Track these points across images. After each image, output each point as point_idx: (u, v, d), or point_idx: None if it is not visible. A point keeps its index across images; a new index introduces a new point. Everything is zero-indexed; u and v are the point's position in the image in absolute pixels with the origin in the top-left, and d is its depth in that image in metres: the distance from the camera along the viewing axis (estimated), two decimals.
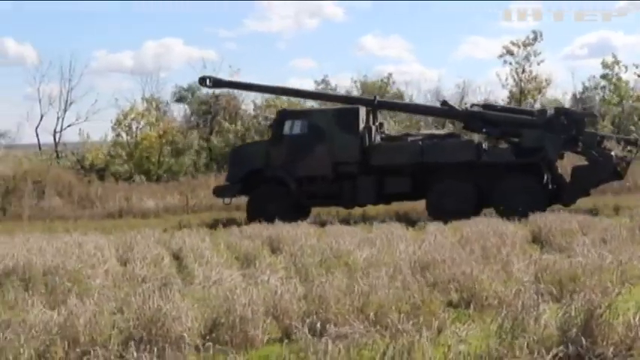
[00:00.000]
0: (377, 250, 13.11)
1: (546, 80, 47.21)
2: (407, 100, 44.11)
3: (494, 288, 9.68)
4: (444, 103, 25.67)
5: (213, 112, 49.27)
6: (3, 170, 32.83)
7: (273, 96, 47.31)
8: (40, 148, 47.27)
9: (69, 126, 49.01)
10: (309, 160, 23.06)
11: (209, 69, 50.04)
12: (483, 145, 23.25)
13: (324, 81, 52.14)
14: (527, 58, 46.45)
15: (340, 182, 23.19)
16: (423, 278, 10.49)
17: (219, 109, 48.94)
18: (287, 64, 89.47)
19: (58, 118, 49.16)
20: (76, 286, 11.25)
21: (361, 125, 23.36)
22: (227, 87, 28.50)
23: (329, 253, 13.14)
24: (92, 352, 7.17)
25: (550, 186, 22.75)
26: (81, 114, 49.67)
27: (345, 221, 21.20)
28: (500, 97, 47.83)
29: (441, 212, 20.55)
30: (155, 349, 7.30)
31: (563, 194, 22.62)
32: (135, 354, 7.04)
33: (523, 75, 46.72)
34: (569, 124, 22.67)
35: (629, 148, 24.02)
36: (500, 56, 46.68)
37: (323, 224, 19.84)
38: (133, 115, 46.16)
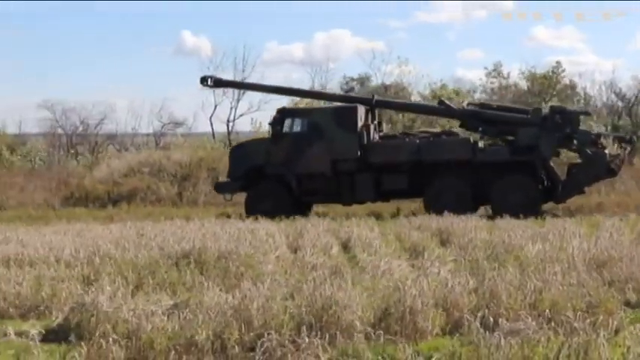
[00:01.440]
0: (549, 246, 12.78)
1: None
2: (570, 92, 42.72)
3: None
4: (441, 102, 25.88)
5: None
6: (180, 157, 34.05)
7: (438, 86, 47.24)
8: (213, 137, 48.78)
9: (241, 115, 50.34)
10: (308, 158, 23.45)
11: (377, 59, 50.28)
12: (479, 144, 23.61)
13: (495, 70, 51.15)
14: None
15: (339, 179, 23.59)
16: (598, 276, 10.15)
17: None
18: (455, 55, 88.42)
19: (231, 108, 50.51)
20: (249, 271, 11.55)
21: (359, 123, 23.70)
22: (227, 86, 28.56)
23: (500, 247, 12.94)
24: (266, 335, 7.32)
25: (545, 183, 23.10)
26: (253, 104, 50.87)
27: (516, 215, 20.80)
28: None
29: (438, 209, 20.43)
30: (327, 336, 7.39)
31: (557, 192, 22.90)
32: (307, 339, 7.15)
33: None
34: (564, 123, 22.86)
35: (622, 145, 24.24)
36: None
37: (492, 217, 19.53)
38: (302, 106, 46.90)
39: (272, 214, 21.17)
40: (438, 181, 22.95)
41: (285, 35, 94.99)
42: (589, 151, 22.64)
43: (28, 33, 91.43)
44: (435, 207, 21.29)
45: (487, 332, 7.12)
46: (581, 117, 24.52)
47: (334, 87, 52.79)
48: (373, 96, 26.36)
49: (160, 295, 9.79)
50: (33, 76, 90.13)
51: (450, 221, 17.26)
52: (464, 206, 21.07)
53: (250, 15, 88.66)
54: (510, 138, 23.45)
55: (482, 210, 22.99)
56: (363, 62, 57.10)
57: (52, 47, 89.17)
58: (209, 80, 27.00)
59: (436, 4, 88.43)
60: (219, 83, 27.59)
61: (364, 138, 23.65)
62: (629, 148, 24.36)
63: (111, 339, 7.53)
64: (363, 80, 51.99)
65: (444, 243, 14.87)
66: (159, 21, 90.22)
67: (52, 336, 8.53)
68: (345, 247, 14.77)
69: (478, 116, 24.02)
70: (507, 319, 7.83)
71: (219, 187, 25.64)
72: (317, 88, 50.25)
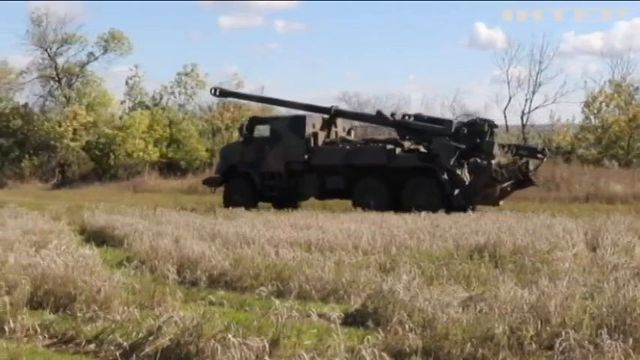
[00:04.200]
0: None
1: None
2: None
3: None
4: (378, 113, 28.79)
5: None
6: None
7: None
8: (507, 129, 48.28)
9: (536, 108, 49.37)
10: (268, 159, 28.00)
11: None
12: (396, 151, 26.06)
13: None
14: None
15: (293, 178, 27.76)
16: None
17: None
18: None
19: (526, 100, 49.84)
20: (545, 267, 11.26)
21: (308, 131, 27.58)
22: (229, 97, 33.51)
23: None
24: (564, 334, 7.10)
25: (447, 189, 24.71)
26: (549, 96, 49.75)
27: None
28: None
29: (362, 207, 23.62)
30: (630, 340, 7.04)
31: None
32: (609, 342, 6.85)
33: None
34: (472, 134, 25.26)
35: (538, 156, 26.49)
36: None
37: None
38: (601, 99, 45.14)
39: (240, 206, 24.81)
40: (361, 183, 26.32)
41: (583, 25, 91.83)
42: (478, 161, 24.67)
43: (330, 29, 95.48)
44: (360, 205, 24.37)
45: None
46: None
47: (635, 78, 50.32)
48: (331, 107, 29.12)
49: (454, 286, 9.80)
50: (333, 69, 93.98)
51: None
52: (383, 205, 23.92)
53: (547, 5, 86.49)
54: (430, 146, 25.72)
55: None
56: None
57: (350, 42, 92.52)
58: (217, 91, 32.27)
59: None
60: (223, 93, 33.02)
61: (311, 143, 27.55)
62: (545, 159, 26.74)
63: (407, 327, 7.66)
64: None
65: None
66: (453, 14, 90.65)
67: (351, 320, 8.80)
68: None
69: (407, 126, 27.02)
70: None
71: (207, 181, 30.55)
72: (617, 79, 48.19)
